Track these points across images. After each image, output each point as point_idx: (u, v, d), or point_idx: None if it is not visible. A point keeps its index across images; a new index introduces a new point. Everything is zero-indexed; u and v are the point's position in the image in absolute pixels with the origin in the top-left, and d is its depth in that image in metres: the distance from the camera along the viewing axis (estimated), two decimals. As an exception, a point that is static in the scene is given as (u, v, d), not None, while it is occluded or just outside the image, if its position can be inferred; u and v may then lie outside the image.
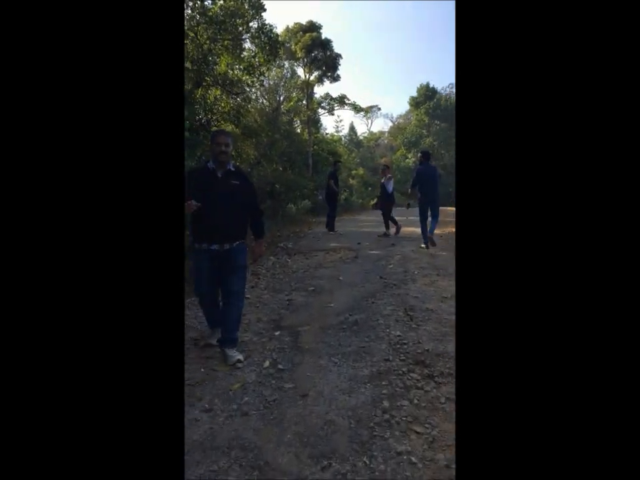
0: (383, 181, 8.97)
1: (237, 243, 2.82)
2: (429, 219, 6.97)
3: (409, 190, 7.55)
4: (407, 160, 33.45)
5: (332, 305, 3.96)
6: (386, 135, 43.97)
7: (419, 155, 7.38)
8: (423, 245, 6.87)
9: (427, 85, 34.95)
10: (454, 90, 37.64)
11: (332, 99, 23.39)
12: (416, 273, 5.15)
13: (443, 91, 35.60)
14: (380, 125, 70.62)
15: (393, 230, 8.71)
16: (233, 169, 2.87)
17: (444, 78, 78.77)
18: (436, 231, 7.27)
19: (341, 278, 5.01)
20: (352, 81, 65.09)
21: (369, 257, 6.34)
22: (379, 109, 45.35)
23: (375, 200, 9.87)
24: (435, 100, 33.49)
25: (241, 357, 2.81)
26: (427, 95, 34.56)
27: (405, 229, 9.04)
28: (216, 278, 2.85)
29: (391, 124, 44.93)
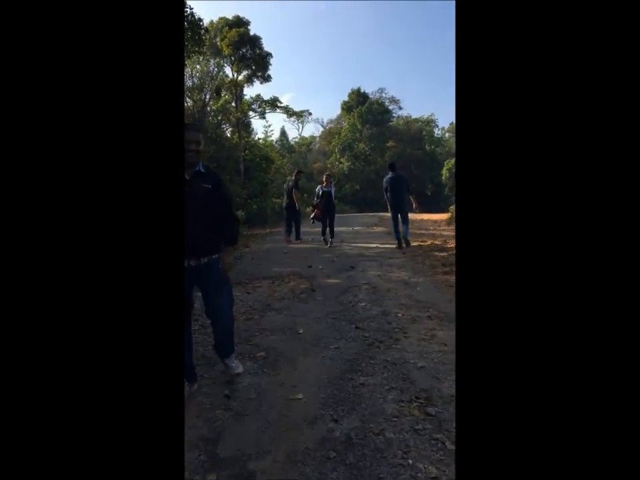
0: (325, 188, 8.19)
1: (216, 255, 2.52)
2: (402, 224, 7.58)
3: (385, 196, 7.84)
4: (341, 165, 32.85)
5: (299, 395, 2.48)
6: (317, 139, 43.25)
7: (388, 165, 7.92)
8: (395, 245, 7.63)
9: (358, 89, 34.67)
10: (383, 95, 38.21)
11: (264, 101, 22.00)
12: (400, 315, 3.82)
13: (372, 96, 35.54)
14: (311, 129, 70.16)
15: (328, 237, 8.32)
16: (203, 171, 2.49)
17: (373, 83, 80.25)
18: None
19: (300, 331, 3.54)
20: (281, 83, 63.97)
21: (328, 288, 4.93)
22: (310, 113, 44.39)
23: (314, 210, 8.57)
24: (366, 105, 33.21)
25: (241, 368, 2.77)
26: (358, 99, 34.24)
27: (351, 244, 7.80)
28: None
29: (322, 129, 44.31)
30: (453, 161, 37.42)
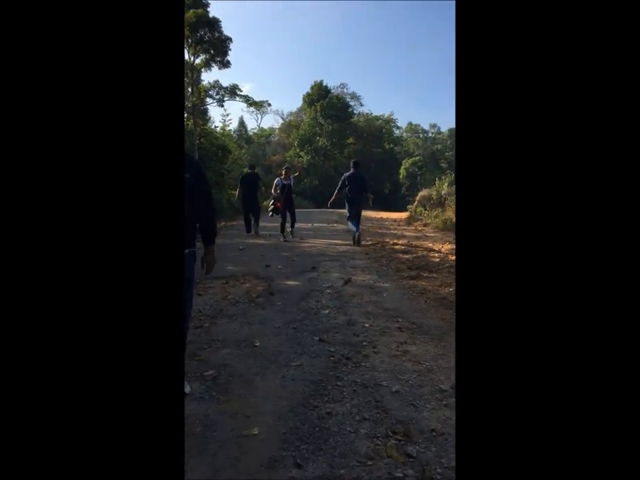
0: (285, 181, 8.03)
1: (187, 251, 2.27)
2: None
3: (335, 192, 7.97)
4: (301, 158, 32.41)
5: (255, 430, 2.07)
6: (277, 131, 42.48)
7: (351, 163, 8.02)
8: (353, 230, 7.75)
9: (321, 82, 34.26)
10: (345, 90, 38.00)
11: (222, 88, 21.17)
12: (367, 326, 3.48)
13: (334, 90, 35.25)
14: (270, 121, 69.06)
15: (288, 234, 8.29)
16: None
17: (334, 79, 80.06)
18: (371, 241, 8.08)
19: (257, 344, 3.12)
20: (242, 73, 62.42)
21: (288, 291, 4.52)
22: (270, 104, 43.49)
23: (272, 203, 8.24)
24: (328, 99, 32.94)
25: (188, 389, 2.41)
26: (320, 93, 33.87)
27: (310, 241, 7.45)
28: None
29: (281, 121, 43.54)
30: (410, 160, 38.02)
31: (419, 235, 10.06)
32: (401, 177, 37.41)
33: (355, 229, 7.64)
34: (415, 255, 6.52)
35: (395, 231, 10.85)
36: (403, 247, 7.42)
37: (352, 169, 7.75)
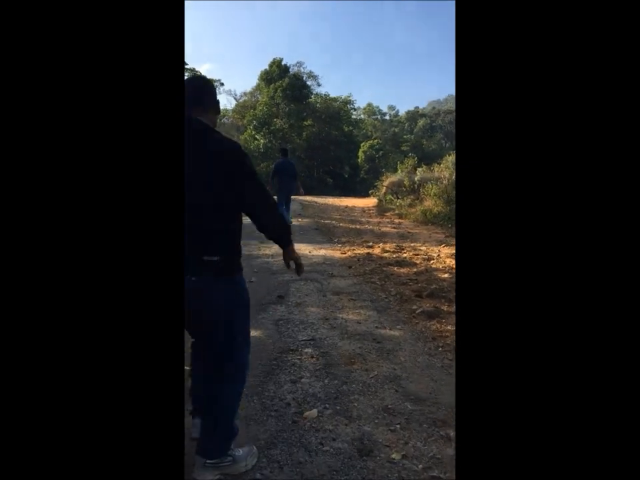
0: None
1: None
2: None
3: (269, 181, 8.04)
4: (257, 141, 30.31)
5: None
6: (230, 113, 39.81)
7: (280, 149, 8.60)
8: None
9: (280, 60, 31.97)
10: (302, 69, 35.91)
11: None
12: (395, 457, 1.79)
13: (292, 69, 33.09)
14: (222, 102, 65.78)
15: None
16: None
17: (293, 59, 77.29)
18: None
19: None
20: (199, 54, 58.50)
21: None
22: (222, 84, 40.66)
23: None
24: (287, 78, 30.83)
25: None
26: (279, 71, 31.67)
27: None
28: None
29: (235, 102, 40.87)
30: (368, 143, 36.76)
31: (400, 230, 8.50)
32: (359, 160, 36.24)
33: (288, 218, 7.83)
34: (415, 270, 4.88)
35: (370, 226, 9.25)
36: (393, 255, 5.78)
37: (280, 157, 8.12)
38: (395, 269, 4.96)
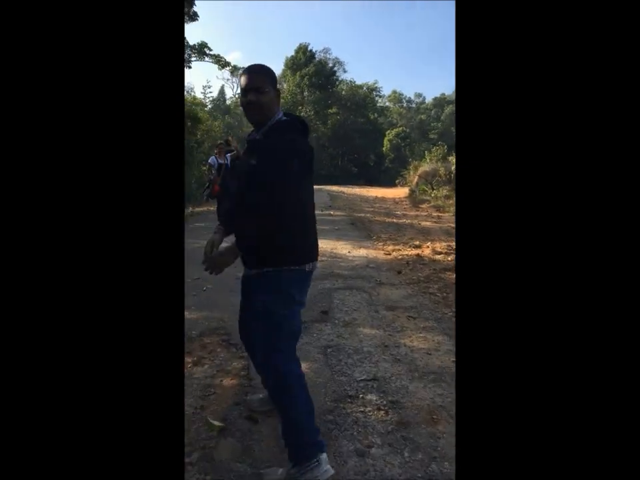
0: (220, 160, 6.51)
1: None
2: None
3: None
4: (280, 131, 29.75)
5: None
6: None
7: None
8: None
9: (306, 46, 31.08)
10: (328, 55, 34.87)
11: (188, 46, 18.22)
12: None
13: (317, 56, 32.18)
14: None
15: None
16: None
17: (318, 44, 75.92)
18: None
19: None
20: (227, 42, 57.89)
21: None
22: (246, 70, 40.01)
23: (207, 186, 6.92)
24: (313, 64, 30.00)
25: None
26: (305, 58, 30.84)
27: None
28: None
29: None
30: (394, 131, 35.66)
31: (443, 226, 7.73)
32: (384, 149, 35.27)
33: None
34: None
35: (408, 220, 8.50)
36: (447, 257, 5.02)
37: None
38: (452, 275, 4.22)
